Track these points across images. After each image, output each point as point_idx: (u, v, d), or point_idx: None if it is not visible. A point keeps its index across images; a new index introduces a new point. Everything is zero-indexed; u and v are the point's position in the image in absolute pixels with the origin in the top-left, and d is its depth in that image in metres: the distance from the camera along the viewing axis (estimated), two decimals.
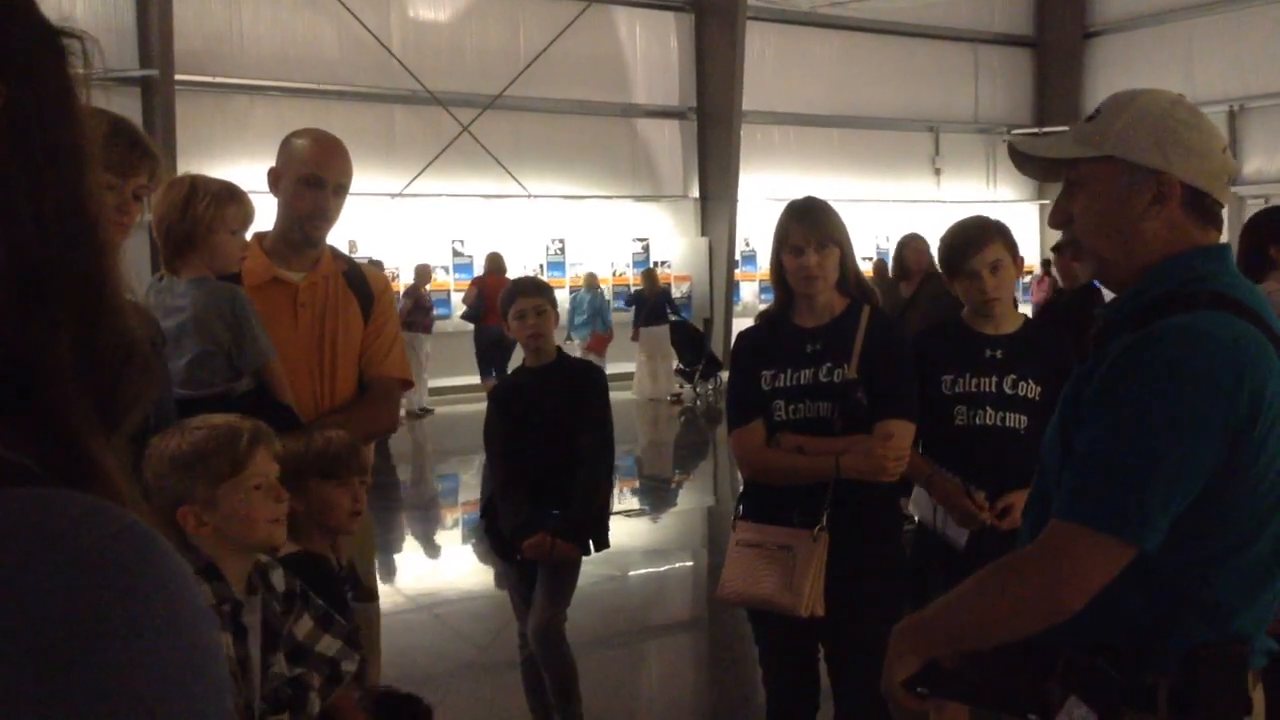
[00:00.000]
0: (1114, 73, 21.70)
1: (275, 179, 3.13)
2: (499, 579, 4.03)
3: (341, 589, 2.68)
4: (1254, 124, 19.73)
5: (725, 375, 17.52)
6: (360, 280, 3.28)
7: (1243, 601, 1.72)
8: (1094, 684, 1.74)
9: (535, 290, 4.00)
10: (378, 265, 9.95)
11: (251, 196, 2.98)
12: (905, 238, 8.19)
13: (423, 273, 14.63)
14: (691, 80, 18.89)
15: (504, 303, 3.96)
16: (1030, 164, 2.00)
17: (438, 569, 7.44)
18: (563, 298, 17.84)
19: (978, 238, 3.29)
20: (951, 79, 21.63)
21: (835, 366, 3.03)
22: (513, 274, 15.45)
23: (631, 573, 6.97)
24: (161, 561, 0.59)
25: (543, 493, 3.80)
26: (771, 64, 19.31)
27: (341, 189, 3.14)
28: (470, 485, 10.73)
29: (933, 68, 21.25)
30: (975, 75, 22.01)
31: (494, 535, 3.99)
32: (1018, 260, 3.35)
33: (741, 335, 3.30)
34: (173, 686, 0.55)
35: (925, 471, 3.24)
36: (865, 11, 17.45)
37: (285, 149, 3.13)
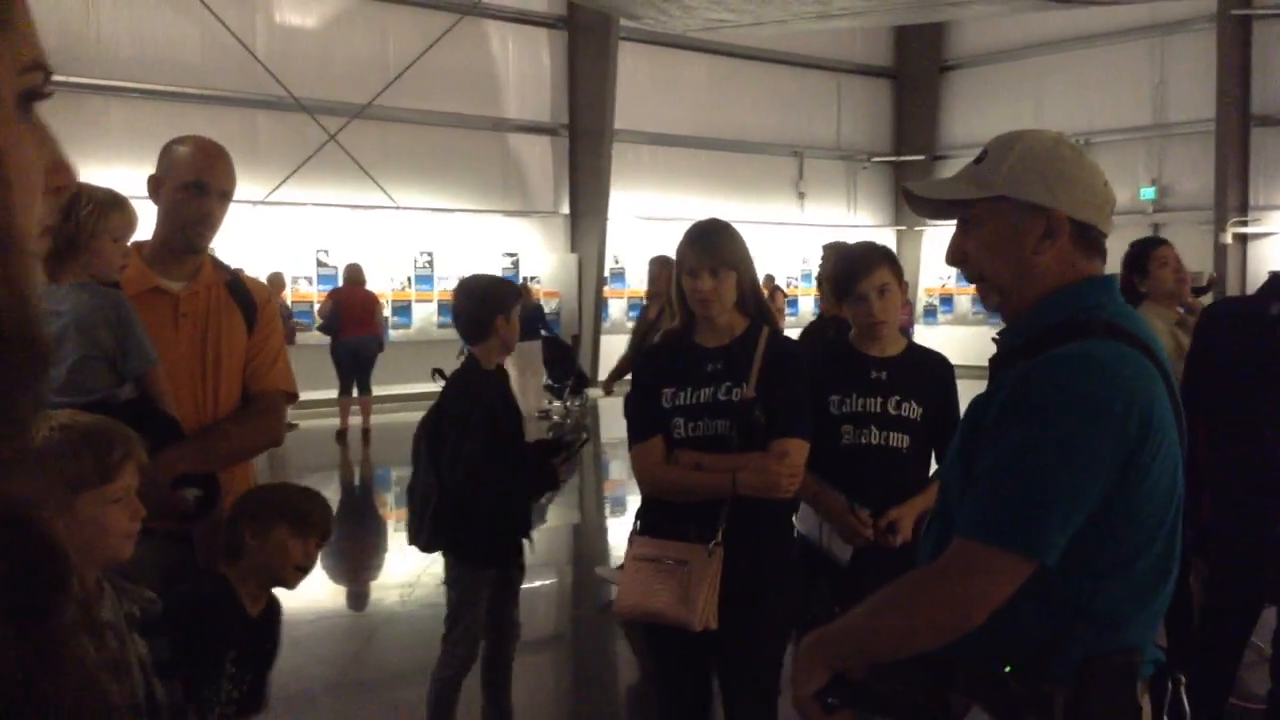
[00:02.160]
0: (968, 105, 22.63)
1: (156, 186, 3.03)
2: (465, 588, 3.96)
3: (229, 633, 2.62)
4: (1100, 157, 20.67)
5: (591, 392, 17.61)
6: (243, 291, 3.21)
7: (1133, 613, 1.82)
8: (995, 694, 1.82)
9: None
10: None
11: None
12: (653, 258, 8.15)
13: (275, 281, 14.21)
14: (564, 97, 18.95)
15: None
16: (922, 205, 2.06)
17: (288, 590, 7.22)
18: (430, 311, 17.75)
19: (866, 263, 3.40)
20: (815, 106, 22.23)
21: (734, 385, 3.09)
22: (377, 287, 15.26)
23: (442, 602, 6.87)
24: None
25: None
26: (643, 84, 19.51)
27: (225, 196, 3.07)
28: (329, 502, 10.52)
29: (798, 95, 21.79)
30: (838, 103, 22.65)
31: (465, 541, 3.96)
32: (903, 285, 3.47)
33: (643, 353, 3.33)
34: None
35: (812, 489, 3.32)
36: (734, 37, 17.77)
37: (167, 155, 3.05)
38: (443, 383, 4.12)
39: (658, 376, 3.18)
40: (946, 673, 1.89)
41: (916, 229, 22.91)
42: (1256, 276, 18.11)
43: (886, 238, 22.71)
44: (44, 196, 0.71)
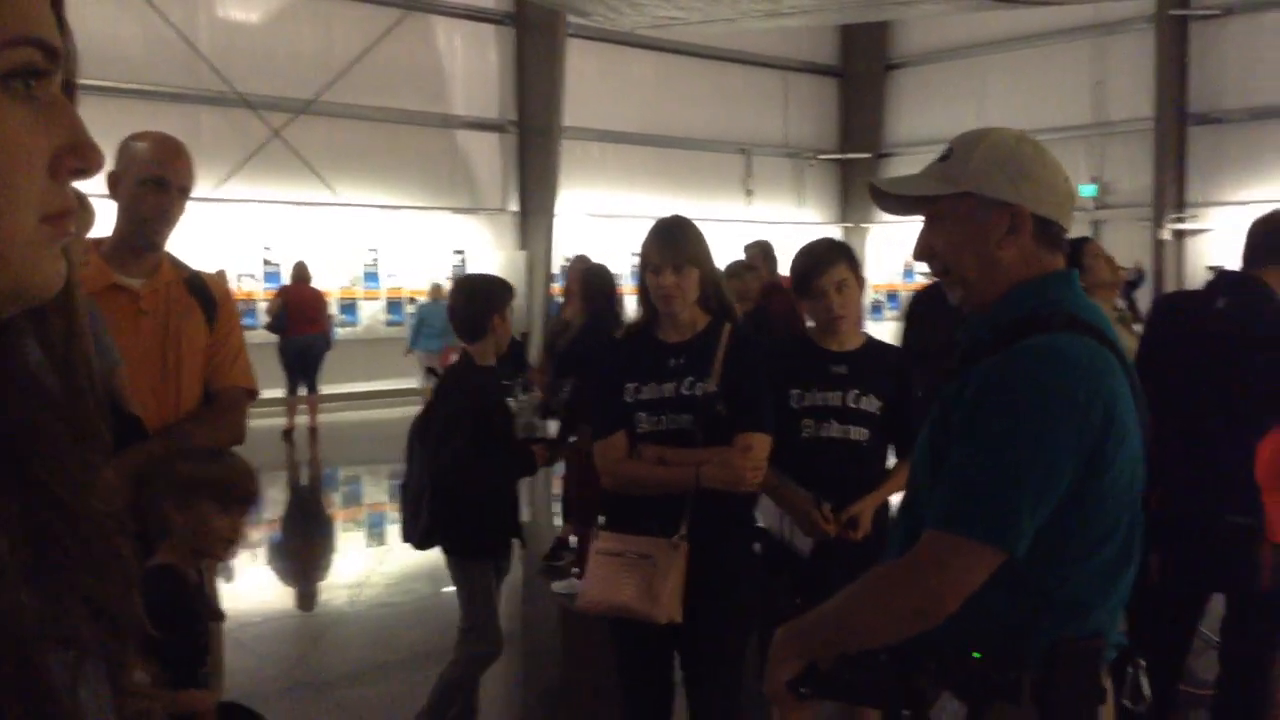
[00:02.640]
0: (913, 103, 22.88)
1: (114, 182, 3.00)
2: (474, 582, 4.05)
3: (196, 606, 2.60)
4: None
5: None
6: (202, 287, 3.18)
7: (1097, 600, 1.87)
8: (964, 680, 1.85)
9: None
10: None
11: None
12: (574, 259, 8.23)
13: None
14: (512, 93, 18.89)
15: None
16: (888, 201, 2.10)
17: (235, 591, 7.13)
18: (377, 309, 17.62)
19: (824, 259, 3.44)
20: (763, 104, 22.35)
21: (697, 380, 3.12)
22: (323, 285, 15.13)
23: (412, 598, 6.88)
24: None
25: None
26: (591, 81, 19.50)
27: (184, 192, 3.04)
28: (277, 502, 10.43)
29: (745, 92, 21.91)
30: (785, 101, 22.79)
31: (462, 536, 4.04)
32: (861, 280, 3.51)
33: (606, 348, 3.35)
34: None
35: (774, 483, 3.35)
36: (682, 35, 17.81)
37: (125, 151, 3.01)
38: (435, 381, 4.19)
39: (620, 372, 3.20)
40: (916, 660, 1.93)
41: (863, 225, 23.11)
42: (1194, 271, 18.51)
43: (833, 234, 22.87)
44: (56, 179, 0.69)
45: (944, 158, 2.00)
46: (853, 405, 3.42)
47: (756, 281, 7.07)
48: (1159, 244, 18.97)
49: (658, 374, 3.15)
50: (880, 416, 3.44)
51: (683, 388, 3.13)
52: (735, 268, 6.89)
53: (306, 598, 7.41)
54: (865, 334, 3.57)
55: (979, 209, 1.93)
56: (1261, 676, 3.74)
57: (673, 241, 3.15)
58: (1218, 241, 18.21)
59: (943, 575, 1.80)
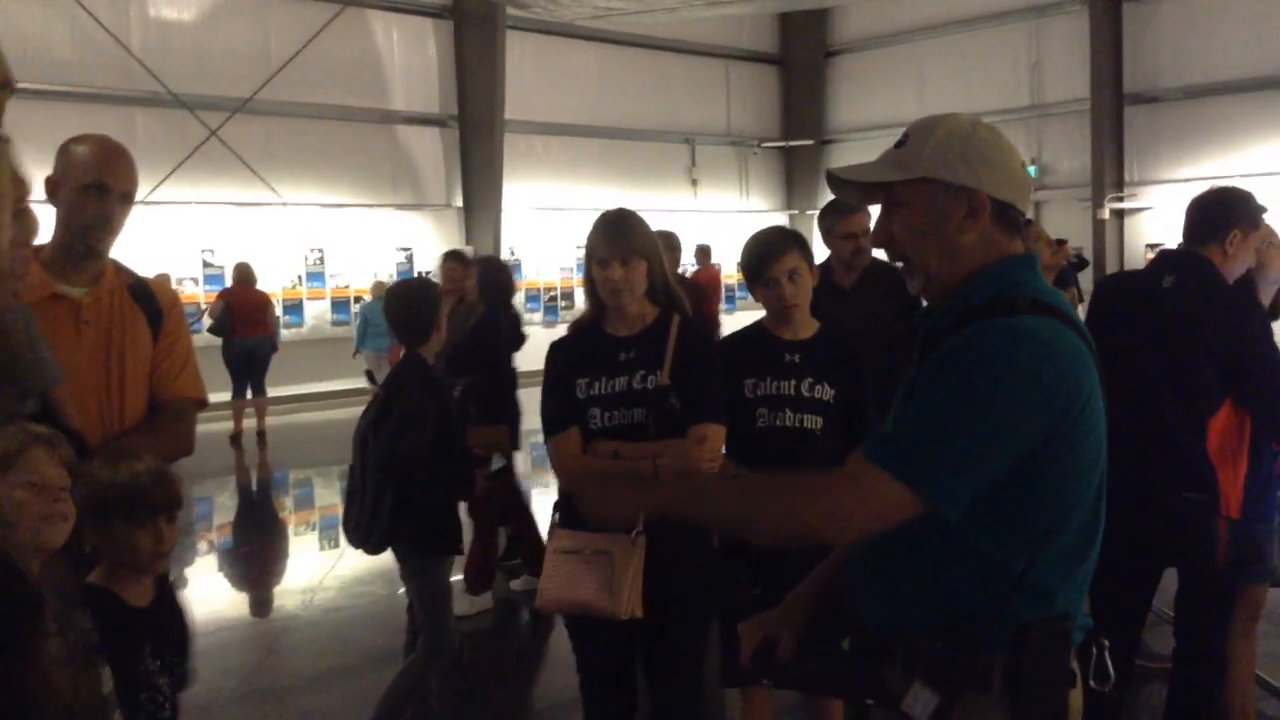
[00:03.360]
0: (854, 89, 23.01)
1: (54, 188, 2.91)
2: (432, 582, 4.09)
3: (131, 633, 2.50)
4: None
5: None
6: (147, 295, 3.10)
7: (1063, 582, 1.87)
8: (936, 668, 1.84)
9: None
10: None
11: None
12: (445, 253, 8.18)
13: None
14: (452, 87, 18.73)
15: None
16: (846, 189, 2.08)
17: (187, 600, 7.00)
18: (322, 309, 17.42)
19: (776, 247, 3.43)
20: (705, 93, 22.35)
21: (648, 374, 3.10)
22: (267, 286, 14.93)
23: (366, 600, 6.81)
24: None
25: None
26: (532, 74, 19.39)
27: (127, 198, 2.96)
28: (226, 508, 10.29)
29: (687, 82, 21.90)
30: (727, 90, 22.82)
31: (424, 532, 4.03)
32: (813, 269, 3.50)
33: (555, 345, 3.32)
34: None
35: (730, 473, 3.32)
36: (622, 25, 17.78)
37: (65, 156, 2.93)
38: (372, 385, 4.23)
39: (571, 367, 3.17)
40: (883, 649, 1.92)
41: (808, 213, 23.19)
42: (1134, 250, 18.80)
43: (778, 221, 22.97)
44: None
45: (900, 144, 2.00)
46: (807, 394, 3.41)
47: None
48: (1099, 223, 19.22)
49: (609, 369, 3.12)
50: (834, 405, 3.43)
51: (634, 381, 3.10)
52: None
53: (260, 604, 7.31)
54: (818, 322, 3.56)
55: (938, 194, 1.92)
56: (1215, 649, 3.80)
57: (619, 234, 3.13)
58: (1157, 220, 18.49)
59: (853, 496, 1.81)
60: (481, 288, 6.79)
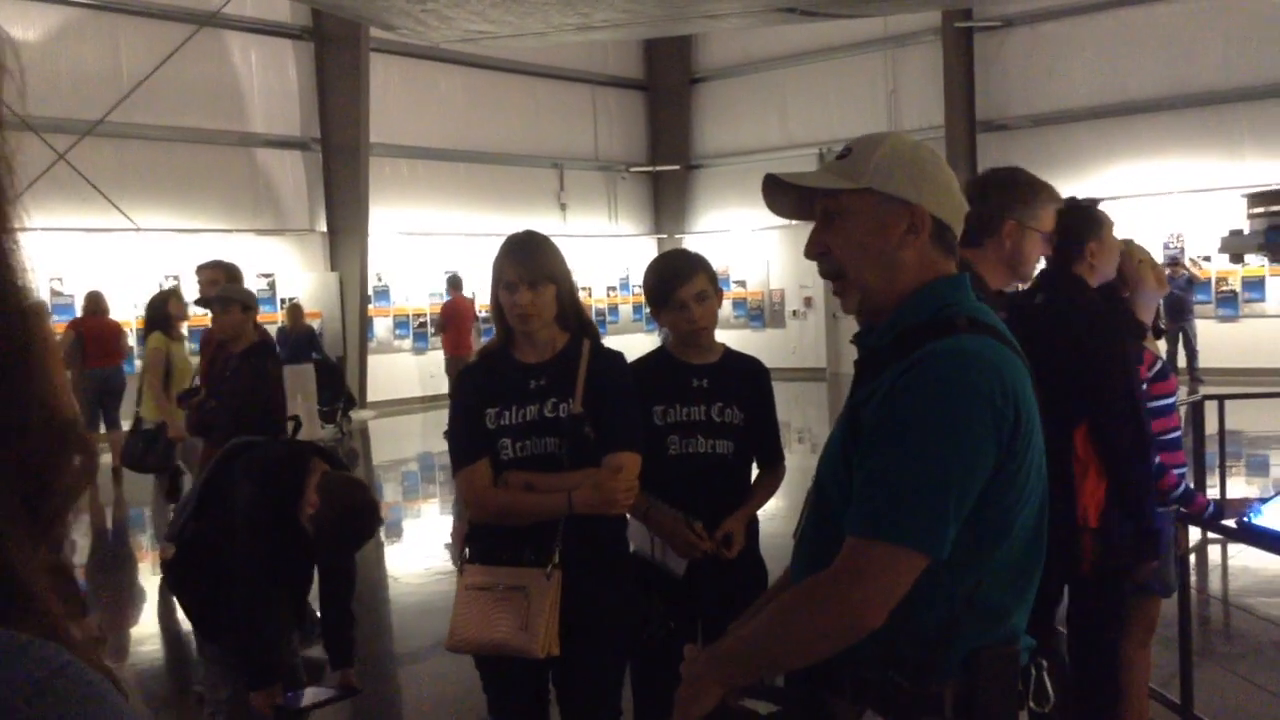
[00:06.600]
0: (719, 115, 23.32)
1: None
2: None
3: None
4: None
5: (359, 415, 17.03)
6: None
7: (1013, 600, 1.86)
8: (887, 697, 1.81)
9: None
10: None
11: None
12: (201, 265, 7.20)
13: None
14: (314, 110, 18.31)
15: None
16: (781, 201, 2.05)
17: None
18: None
19: (683, 270, 3.37)
20: (572, 118, 22.36)
21: (560, 401, 3.00)
22: (120, 315, 14.28)
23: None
24: (98, 707, 0.53)
25: None
26: (398, 97, 19.10)
27: None
28: (81, 549, 9.77)
29: (555, 107, 21.87)
30: (594, 115, 22.86)
31: None
32: (719, 291, 3.46)
33: (461, 373, 3.20)
34: None
35: (644, 505, 3.23)
36: (490, 49, 17.63)
37: None
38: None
39: (479, 396, 3.05)
40: (831, 682, 1.87)
41: (676, 236, 23.37)
42: None
43: (648, 246, 23.07)
44: None
45: (842, 156, 1.98)
46: (717, 419, 3.36)
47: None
48: None
49: (519, 397, 3.01)
50: (743, 428, 3.39)
51: (546, 410, 3.00)
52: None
53: (117, 651, 6.92)
54: (723, 345, 3.52)
55: (880, 206, 1.90)
56: (1106, 658, 3.86)
57: (528, 257, 3.03)
58: None
59: (869, 585, 1.75)
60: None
